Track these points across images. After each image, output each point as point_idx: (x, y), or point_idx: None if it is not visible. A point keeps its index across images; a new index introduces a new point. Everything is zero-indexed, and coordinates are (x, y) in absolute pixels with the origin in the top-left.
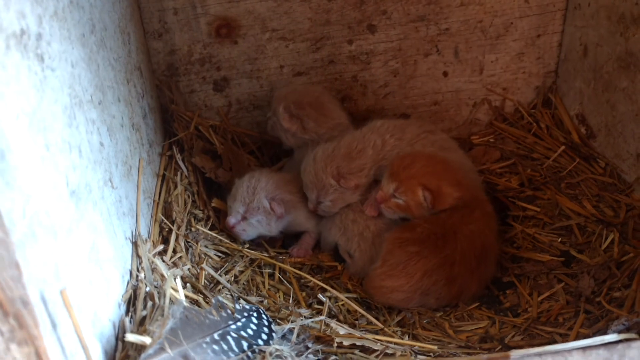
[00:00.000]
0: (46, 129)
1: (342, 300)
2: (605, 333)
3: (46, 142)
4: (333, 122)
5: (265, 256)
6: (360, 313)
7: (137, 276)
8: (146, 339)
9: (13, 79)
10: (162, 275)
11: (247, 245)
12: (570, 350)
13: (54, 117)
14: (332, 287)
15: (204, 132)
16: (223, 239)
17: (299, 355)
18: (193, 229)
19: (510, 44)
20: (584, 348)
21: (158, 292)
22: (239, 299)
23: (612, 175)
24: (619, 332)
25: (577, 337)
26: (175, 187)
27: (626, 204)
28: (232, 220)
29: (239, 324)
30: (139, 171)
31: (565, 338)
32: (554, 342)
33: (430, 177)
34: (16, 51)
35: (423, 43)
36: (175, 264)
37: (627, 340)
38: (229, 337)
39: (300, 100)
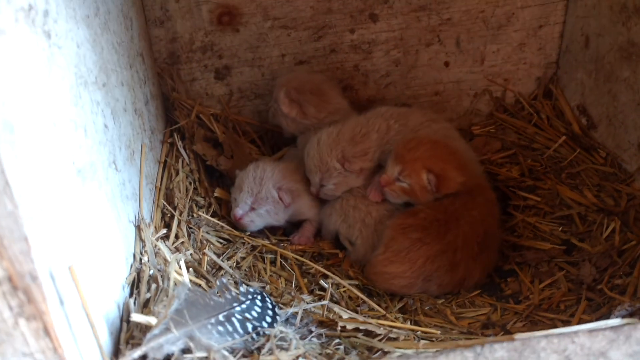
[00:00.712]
0: (53, 106)
1: (344, 287)
2: (608, 318)
3: (53, 119)
4: (333, 107)
5: (267, 243)
6: (362, 299)
7: (141, 259)
8: (151, 319)
9: (22, 52)
10: (165, 259)
11: (248, 233)
12: (576, 332)
13: (61, 94)
14: (333, 274)
15: (205, 121)
16: (225, 225)
17: (302, 338)
18: (195, 215)
19: (511, 34)
20: (590, 330)
21: (161, 276)
22: (241, 284)
23: (612, 165)
24: (622, 317)
25: (580, 323)
26: (177, 174)
27: (627, 193)
28: (239, 211)
29: (244, 306)
30: (141, 156)
31: (567, 324)
32: (556, 327)
33: (435, 160)
34: (25, 24)
35: (425, 33)
36: (177, 249)
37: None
38: (233, 319)
39: (301, 86)
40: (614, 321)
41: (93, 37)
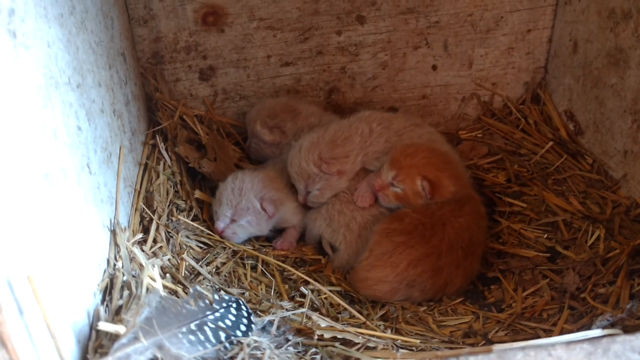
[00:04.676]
0: (17, 108)
1: (325, 294)
2: (589, 329)
3: (17, 122)
4: (304, 114)
5: (248, 248)
6: (343, 306)
7: (115, 265)
8: (120, 328)
9: None
10: (141, 265)
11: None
12: (554, 345)
13: (26, 96)
14: (315, 280)
15: (189, 122)
16: (205, 229)
17: (278, 347)
18: (174, 219)
19: (500, 38)
20: (568, 342)
21: (136, 282)
22: (219, 290)
23: (599, 172)
24: (603, 327)
25: (561, 333)
26: (158, 176)
27: (612, 200)
28: (220, 224)
29: (217, 314)
30: (119, 158)
31: (549, 333)
32: (538, 337)
33: (431, 168)
34: None
35: (412, 36)
36: (155, 254)
37: (611, 335)
38: (206, 328)
39: (272, 111)
40: (594, 332)
41: (67, 36)
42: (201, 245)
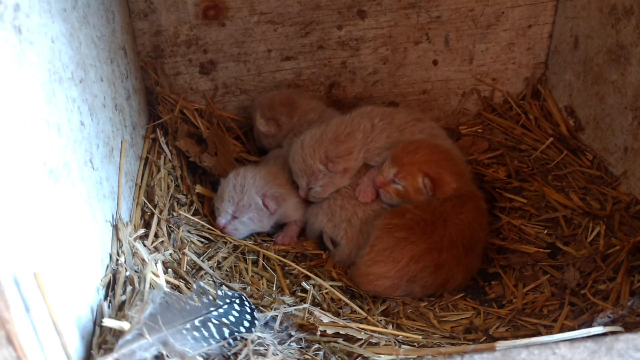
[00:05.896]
0: (23, 104)
1: (326, 289)
2: (590, 325)
3: (23, 118)
4: (303, 109)
5: (250, 243)
6: (344, 301)
7: (117, 260)
8: (124, 324)
9: None
10: (143, 260)
11: None
12: (557, 342)
13: (32, 92)
14: (316, 275)
15: (189, 116)
16: (206, 224)
17: (281, 343)
18: (175, 214)
19: (500, 33)
20: (571, 340)
21: (138, 277)
22: (221, 285)
23: (599, 168)
24: (605, 324)
25: (562, 329)
26: (159, 170)
27: (613, 197)
28: (222, 220)
29: (221, 310)
30: (121, 153)
31: (549, 329)
32: (539, 333)
33: (432, 165)
34: None
35: (413, 30)
36: (156, 249)
37: (614, 333)
38: (210, 324)
39: (272, 102)
40: (596, 329)
41: (70, 31)
42: (202, 239)
